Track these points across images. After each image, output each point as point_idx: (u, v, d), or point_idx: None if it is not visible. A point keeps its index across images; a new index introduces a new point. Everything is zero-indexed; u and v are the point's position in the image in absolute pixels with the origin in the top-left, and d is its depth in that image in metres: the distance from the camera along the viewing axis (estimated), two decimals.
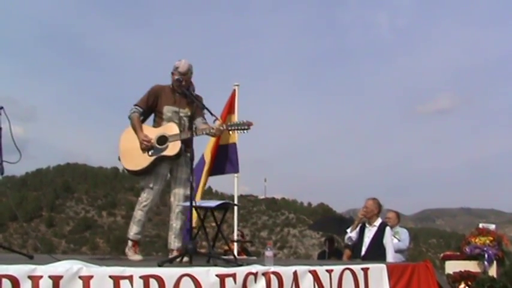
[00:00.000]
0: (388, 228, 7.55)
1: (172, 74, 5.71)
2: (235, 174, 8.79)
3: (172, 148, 5.49)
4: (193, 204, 4.96)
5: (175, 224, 5.66)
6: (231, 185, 8.93)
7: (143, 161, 5.51)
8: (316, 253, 12.08)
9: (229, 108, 8.85)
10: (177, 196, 5.66)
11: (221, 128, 5.51)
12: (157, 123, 5.72)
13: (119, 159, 5.67)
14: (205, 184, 8.62)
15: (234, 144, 8.65)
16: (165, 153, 5.49)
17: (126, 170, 5.65)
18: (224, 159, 8.64)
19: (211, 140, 8.50)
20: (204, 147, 8.57)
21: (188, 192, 5.57)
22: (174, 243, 5.64)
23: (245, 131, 5.56)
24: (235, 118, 8.74)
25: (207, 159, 8.60)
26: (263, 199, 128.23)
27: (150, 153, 5.50)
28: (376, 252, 7.33)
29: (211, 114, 5.43)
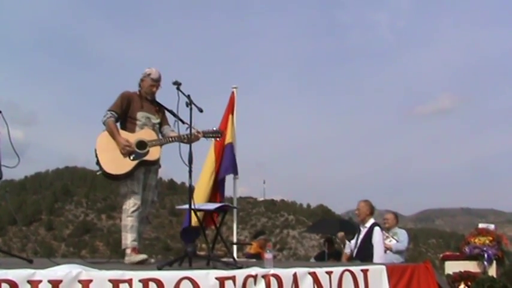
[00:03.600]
0: (376, 229, 7.56)
1: (142, 80, 5.80)
2: (234, 176, 8.76)
3: (153, 153, 5.57)
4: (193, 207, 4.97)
5: (140, 227, 5.67)
6: (230, 187, 8.92)
7: (126, 165, 5.48)
8: (313, 256, 12.06)
9: (231, 111, 8.85)
10: (147, 202, 5.74)
11: (199, 135, 5.58)
12: (129, 129, 5.69)
13: (98, 163, 5.50)
14: (212, 185, 8.53)
15: (231, 144, 8.62)
16: (146, 158, 5.53)
17: (108, 174, 5.50)
18: (224, 160, 8.58)
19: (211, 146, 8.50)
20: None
21: (156, 198, 5.85)
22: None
23: (217, 139, 6.05)
24: (235, 120, 8.77)
25: (211, 160, 8.51)
26: (262, 201, 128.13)
27: (131, 157, 5.49)
28: (365, 252, 7.39)
29: (183, 122, 5.46)
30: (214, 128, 5.87)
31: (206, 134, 5.70)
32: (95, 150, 5.51)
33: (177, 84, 5.37)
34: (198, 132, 5.58)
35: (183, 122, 5.47)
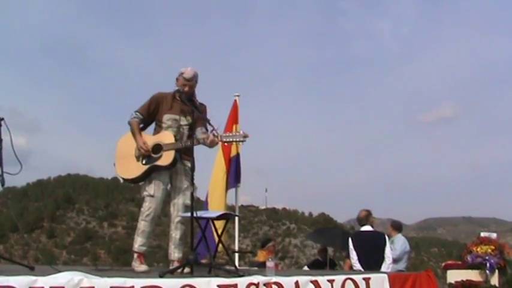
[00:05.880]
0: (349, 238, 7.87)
1: (177, 79, 5.64)
2: (237, 184, 8.84)
3: (166, 158, 5.41)
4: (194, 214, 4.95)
5: (175, 234, 5.57)
6: (232, 195, 8.95)
7: (136, 169, 5.46)
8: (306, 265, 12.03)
9: (234, 119, 8.88)
10: (176, 206, 5.57)
11: (216, 139, 5.34)
12: (156, 132, 5.64)
13: (114, 165, 5.61)
14: (224, 195, 8.70)
15: (236, 156, 8.70)
16: (158, 162, 5.42)
17: (122, 178, 5.62)
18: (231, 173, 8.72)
19: (220, 152, 8.60)
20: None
21: (188, 201, 5.50)
22: (175, 253, 5.55)
23: (241, 143, 5.59)
24: (239, 128, 8.78)
25: (222, 170, 8.64)
26: (264, 209, 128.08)
27: (143, 161, 5.44)
28: None
29: (209, 124, 5.33)
30: (238, 132, 5.66)
31: (225, 138, 5.36)
32: (114, 152, 5.60)
33: (180, 92, 5.39)
34: (216, 136, 5.30)
35: (209, 124, 5.35)
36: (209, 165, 8.79)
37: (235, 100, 9.03)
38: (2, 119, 4.78)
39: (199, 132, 5.62)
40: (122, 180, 5.74)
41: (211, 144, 5.40)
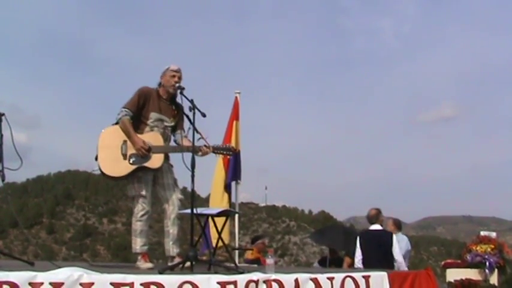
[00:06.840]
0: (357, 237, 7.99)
1: (162, 76, 5.64)
2: (237, 181, 8.85)
3: (155, 161, 5.38)
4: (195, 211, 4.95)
5: (172, 230, 5.52)
6: (232, 192, 8.96)
7: (123, 168, 5.32)
8: (317, 260, 12.00)
9: (235, 116, 8.92)
10: (171, 201, 5.52)
11: (208, 151, 5.41)
12: (139, 129, 5.50)
13: (96, 159, 5.35)
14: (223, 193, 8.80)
15: (238, 152, 8.73)
16: (147, 164, 5.36)
17: (103, 173, 5.36)
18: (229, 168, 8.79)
19: None
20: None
21: (180, 195, 5.57)
22: (173, 249, 5.51)
23: (228, 156, 5.71)
24: (239, 125, 8.85)
25: (221, 168, 8.71)
26: (264, 207, 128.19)
27: (131, 161, 5.33)
28: None
29: (198, 132, 5.21)
30: (227, 145, 5.79)
31: (216, 150, 5.51)
32: (97, 146, 5.36)
33: (181, 88, 5.38)
34: (207, 147, 5.39)
35: (197, 131, 5.20)
36: (210, 164, 8.82)
37: (236, 97, 9.07)
38: (3, 114, 4.77)
39: (180, 137, 5.71)
40: (103, 176, 5.44)
41: (203, 155, 5.44)
